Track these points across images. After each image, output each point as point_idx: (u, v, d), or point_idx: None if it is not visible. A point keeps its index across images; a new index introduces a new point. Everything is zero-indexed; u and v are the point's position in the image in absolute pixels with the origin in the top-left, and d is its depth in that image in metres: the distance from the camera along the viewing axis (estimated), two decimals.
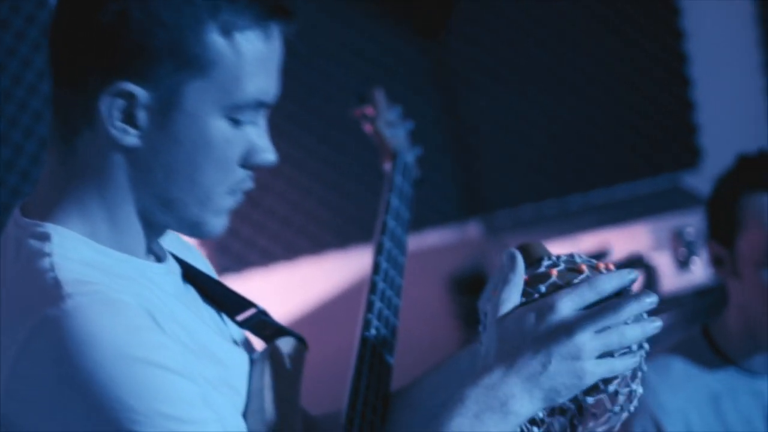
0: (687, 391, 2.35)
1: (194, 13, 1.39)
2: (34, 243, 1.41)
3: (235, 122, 1.44)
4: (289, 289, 3.66)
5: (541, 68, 3.91)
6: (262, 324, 1.66)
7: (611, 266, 1.48)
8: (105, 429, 1.30)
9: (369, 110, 2.43)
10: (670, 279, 3.54)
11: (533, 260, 1.49)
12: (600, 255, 3.51)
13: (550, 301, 1.41)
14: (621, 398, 1.43)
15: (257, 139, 1.47)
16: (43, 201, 1.46)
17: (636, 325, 1.40)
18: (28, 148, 3.29)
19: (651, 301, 1.42)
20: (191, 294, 1.59)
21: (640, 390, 1.46)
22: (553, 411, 1.43)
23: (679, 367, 2.37)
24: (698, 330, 2.43)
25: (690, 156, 4.04)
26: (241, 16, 1.41)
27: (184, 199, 1.45)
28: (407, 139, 2.44)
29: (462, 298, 3.79)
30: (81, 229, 1.44)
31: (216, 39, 1.40)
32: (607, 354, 1.40)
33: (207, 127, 1.42)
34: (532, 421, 1.42)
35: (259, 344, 1.65)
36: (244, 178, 1.48)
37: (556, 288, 1.44)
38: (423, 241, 3.78)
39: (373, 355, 1.72)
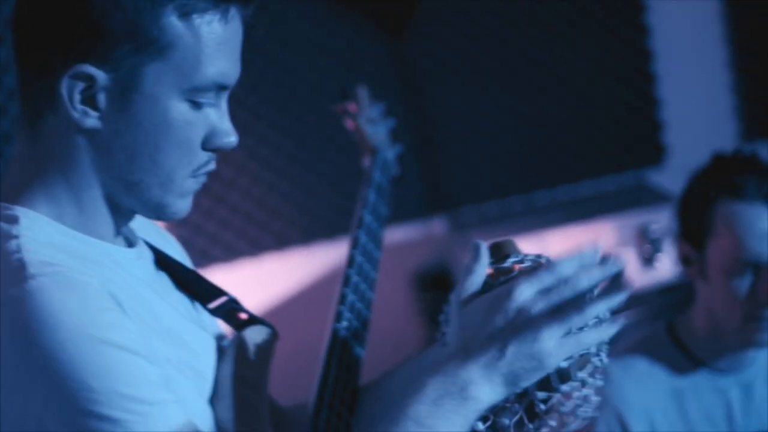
0: (651, 387, 2.34)
1: None
2: (2, 225, 1.42)
3: (196, 105, 1.46)
4: (253, 285, 3.65)
5: (505, 65, 3.91)
6: (233, 312, 1.67)
7: None
8: (65, 408, 1.31)
9: (351, 107, 2.46)
10: (635, 276, 3.55)
11: (502, 256, 1.50)
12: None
13: (508, 287, 1.43)
14: (576, 396, 1.44)
15: (218, 121, 1.49)
16: (12, 185, 1.48)
17: (594, 305, 1.41)
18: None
19: (598, 276, 1.43)
20: (163, 280, 1.60)
21: (598, 383, 1.45)
22: (504, 407, 1.43)
23: (642, 364, 2.37)
24: (663, 327, 2.43)
25: (655, 153, 4.05)
26: None
27: (146, 181, 1.46)
28: (388, 136, 2.48)
29: (426, 294, 3.78)
30: (48, 212, 1.46)
31: (174, 21, 1.42)
32: (569, 335, 1.40)
33: (167, 109, 1.44)
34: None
35: (231, 333, 1.66)
36: (207, 161, 1.50)
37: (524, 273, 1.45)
38: (388, 237, 3.73)
39: (344, 347, 1.74)
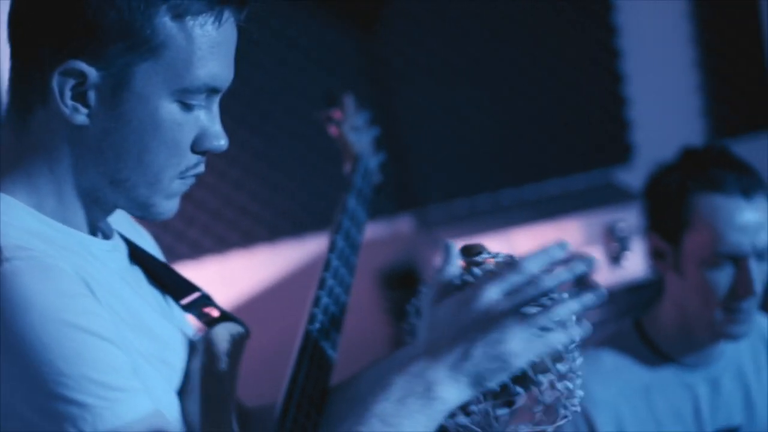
0: (617, 383, 2.34)
1: None
2: None
3: (186, 106, 1.47)
4: (219, 282, 3.63)
5: (473, 63, 3.91)
6: (205, 308, 1.68)
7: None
8: (34, 391, 1.32)
9: (336, 114, 2.47)
10: (602, 274, 3.55)
11: (473, 254, 1.51)
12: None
13: (475, 288, 1.43)
14: (546, 391, 1.43)
15: (208, 124, 1.50)
16: None
17: (560, 305, 1.41)
18: None
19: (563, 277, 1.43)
20: (136, 274, 1.62)
21: (571, 385, 1.45)
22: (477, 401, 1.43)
23: (609, 360, 2.37)
24: (630, 324, 2.43)
25: (622, 152, 4.06)
26: (194, 1, 1.44)
27: (133, 180, 1.48)
28: (371, 144, 2.49)
29: (392, 292, 3.78)
30: (27, 200, 1.47)
31: (167, 22, 1.43)
32: (535, 335, 1.40)
33: (157, 109, 1.45)
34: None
35: (202, 329, 1.67)
36: (195, 163, 1.51)
37: (490, 273, 1.45)
38: None
39: (315, 348, 1.74)
